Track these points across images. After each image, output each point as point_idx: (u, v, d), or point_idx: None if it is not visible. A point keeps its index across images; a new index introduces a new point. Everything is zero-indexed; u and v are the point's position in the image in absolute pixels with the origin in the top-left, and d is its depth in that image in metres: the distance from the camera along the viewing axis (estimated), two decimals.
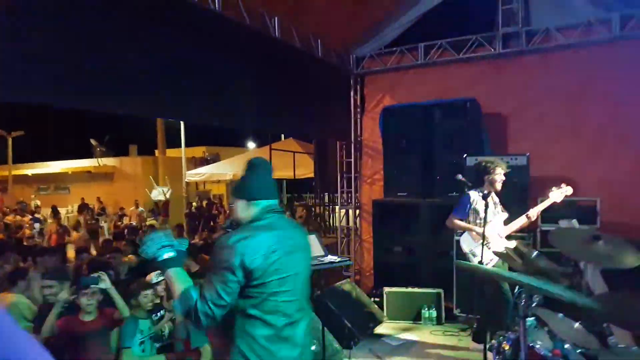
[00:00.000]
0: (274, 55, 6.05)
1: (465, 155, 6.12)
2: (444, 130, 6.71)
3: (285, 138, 17.86)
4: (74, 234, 11.16)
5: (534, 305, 2.44)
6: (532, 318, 2.69)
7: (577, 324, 2.70)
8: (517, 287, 2.30)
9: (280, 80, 6.14)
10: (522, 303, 2.30)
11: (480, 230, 4.47)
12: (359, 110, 8.09)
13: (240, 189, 2.28)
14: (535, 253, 2.67)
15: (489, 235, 4.57)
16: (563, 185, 4.65)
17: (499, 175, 4.72)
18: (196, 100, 5.02)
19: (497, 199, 4.85)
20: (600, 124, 6.12)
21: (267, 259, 2.06)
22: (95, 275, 3.86)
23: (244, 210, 2.24)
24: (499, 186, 4.74)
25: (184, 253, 2.24)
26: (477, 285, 5.02)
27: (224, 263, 2.03)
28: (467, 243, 4.86)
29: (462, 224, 4.85)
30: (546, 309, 2.76)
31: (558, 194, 4.61)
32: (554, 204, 4.64)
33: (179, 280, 2.11)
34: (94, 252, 8.36)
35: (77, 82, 3.85)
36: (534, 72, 6.52)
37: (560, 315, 2.74)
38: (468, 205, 4.83)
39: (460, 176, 4.88)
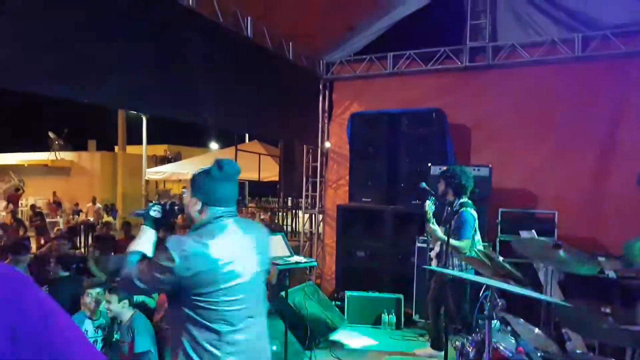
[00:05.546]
0: (244, 55, 6.02)
1: (429, 164, 6.24)
2: (409, 138, 6.82)
3: (249, 140, 17.80)
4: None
5: (497, 309, 2.51)
6: (496, 321, 2.77)
7: (537, 329, 2.80)
8: (482, 290, 2.36)
9: (249, 80, 6.11)
10: (488, 305, 2.37)
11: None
12: (326, 115, 8.14)
13: (201, 189, 2.14)
14: (500, 258, 2.75)
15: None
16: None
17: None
18: (160, 93, 4.94)
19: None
20: (559, 139, 6.35)
21: (214, 269, 2.00)
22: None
23: (197, 208, 2.13)
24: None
25: (166, 221, 2.27)
26: (437, 291, 5.09)
27: (169, 261, 1.95)
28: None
29: None
30: (507, 314, 2.85)
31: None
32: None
33: (139, 241, 2.17)
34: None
35: (38, 67, 3.75)
36: (498, 86, 6.72)
37: (521, 320, 2.83)
38: None
39: (424, 184, 4.97)
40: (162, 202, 2.30)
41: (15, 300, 0.70)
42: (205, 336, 2.00)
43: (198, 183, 2.15)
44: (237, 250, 2.09)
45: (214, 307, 2.00)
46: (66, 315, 0.84)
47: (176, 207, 2.30)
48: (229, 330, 2.03)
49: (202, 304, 1.99)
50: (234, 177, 2.18)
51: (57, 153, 23.00)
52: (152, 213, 2.23)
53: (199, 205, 2.12)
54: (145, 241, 2.18)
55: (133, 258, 2.08)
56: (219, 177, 2.12)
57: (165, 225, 2.25)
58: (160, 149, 25.33)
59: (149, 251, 2.14)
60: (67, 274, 5.12)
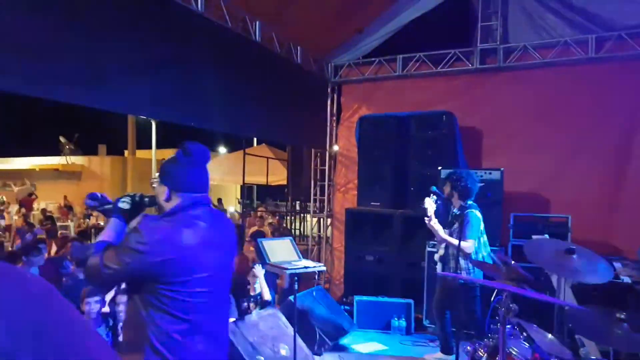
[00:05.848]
0: (252, 59, 6.01)
1: (440, 167, 6.17)
2: (419, 141, 6.73)
3: (258, 144, 17.83)
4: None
5: (511, 313, 2.45)
6: (509, 326, 2.71)
7: (550, 335, 2.73)
8: (495, 294, 2.30)
9: (257, 84, 6.09)
10: (503, 310, 2.31)
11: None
12: (334, 118, 8.10)
13: (168, 174, 2.09)
14: (513, 262, 2.69)
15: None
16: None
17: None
18: (170, 98, 4.93)
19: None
20: (573, 142, 6.25)
21: (185, 258, 1.94)
22: None
23: (166, 197, 2.08)
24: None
25: (135, 213, 2.20)
26: (447, 297, 5.02)
27: (140, 243, 1.91)
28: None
29: None
30: (519, 319, 2.78)
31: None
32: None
33: (107, 232, 2.12)
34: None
35: (48, 73, 3.74)
36: (510, 88, 6.63)
37: (535, 326, 2.76)
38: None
39: (435, 188, 4.91)
40: (132, 194, 2.25)
41: (41, 301, 0.72)
42: (174, 327, 1.95)
43: (165, 169, 2.12)
44: (208, 241, 2.04)
45: (186, 298, 1.96)
46: (90, 323, 0.87)
47: (146, 199, 2.24)
48: (199, 318, 2.00)
49: (171, 294, 1.93)
50: (202, 162, 2.12)
51: (67, 157, 23.23)
52: (120, 205, 2.18)
53: (166, 193, 2.07)
54: (112, 232, 2.12)
55: (99, 247, 2.01)
56: (185, 162, 2.08)
57: (125, 218, 2.21)
58: (169, 153, 25.15)
59: (116, 242, 2.07)
60: None
